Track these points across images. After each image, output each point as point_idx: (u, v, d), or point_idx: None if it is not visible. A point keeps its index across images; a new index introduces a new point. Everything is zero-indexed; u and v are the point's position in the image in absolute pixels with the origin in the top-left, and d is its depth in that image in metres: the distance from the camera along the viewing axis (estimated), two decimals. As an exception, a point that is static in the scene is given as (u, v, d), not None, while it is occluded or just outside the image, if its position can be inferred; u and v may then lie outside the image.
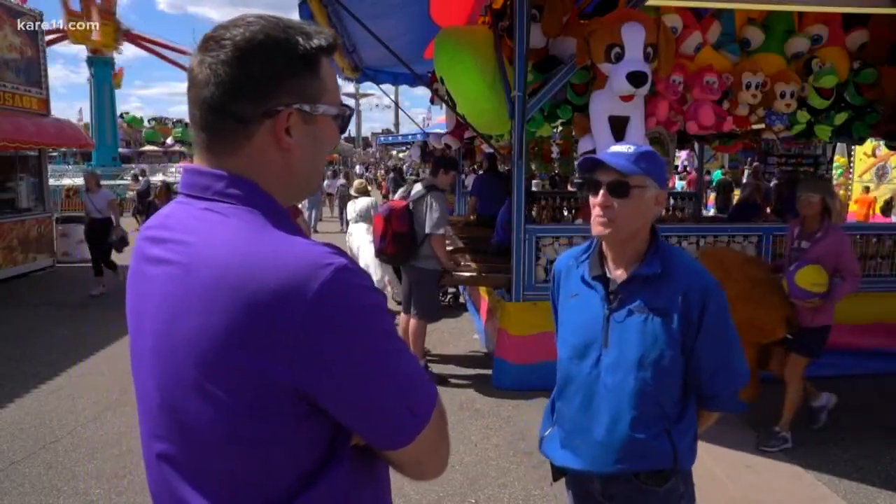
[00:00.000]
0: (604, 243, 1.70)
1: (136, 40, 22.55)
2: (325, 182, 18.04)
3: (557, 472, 1.86)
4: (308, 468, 0.83)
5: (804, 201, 3.74)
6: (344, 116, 0.94)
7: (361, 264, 6.70)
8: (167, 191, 8.80)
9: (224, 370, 0.77)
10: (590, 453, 1.69)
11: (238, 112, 0.84)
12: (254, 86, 0.84)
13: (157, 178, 17.13)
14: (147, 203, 12.78)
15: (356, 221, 6.84)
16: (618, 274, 1.66)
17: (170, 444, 0.85)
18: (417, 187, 5.07)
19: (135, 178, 15.12)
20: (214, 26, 0.88)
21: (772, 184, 11.03)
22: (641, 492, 1.64)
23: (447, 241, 5.47)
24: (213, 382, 0.78)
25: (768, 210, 8.19)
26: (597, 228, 1.63)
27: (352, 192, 7.38)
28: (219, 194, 0.85)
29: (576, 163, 1.77)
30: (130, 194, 14.33)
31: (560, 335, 1.81)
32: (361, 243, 6.88)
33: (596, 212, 1.62)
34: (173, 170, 23.17)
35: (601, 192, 1.60)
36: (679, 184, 16.88)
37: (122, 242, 8.02)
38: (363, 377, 0.80)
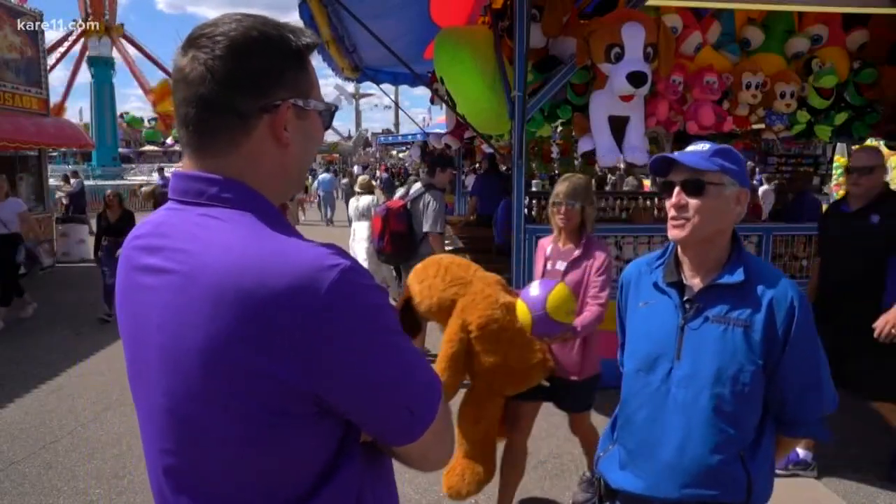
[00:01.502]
0: (680, 248, 1.58)
1: (129, 41, 22.60)
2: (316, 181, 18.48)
3: (609, 493, 1.69)
4: (320, 469, 0.83)
5: (566, 210, 2.78)
6: (330, 112, 0.95)
7: (364, 264, 6.72)
8: (154, 196, 8.61)
9: (237, 376, 0.76)
10: (653, 476, 1.54)
11: (238, 107, 0.83)
12: (253, 80, 0.84)
13: (140, 179, 16.84)
14: (81, 207, 12.20)
15: (358, 219, 6.84)
16: (695, 282, 1.54)
17: (180, 459, 0.84)
18: (415, 186, 5.08)
19: (65, 178, 13.71)
20: (199, 25, 0.87)
21: (762, 188, 11.01)
22: None
23: (446, 241, 5.47)
24: (227, 389, 0.77)
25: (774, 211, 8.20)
26: (671, 232, 1.52)
27: (356, 188, 7.36)
28: (214, 199, 0.84)
29: (648, 164, 1.67)
30: (60, 194, 13.09)
31: (627, 347, 1.69)
32: (363, 242, 6.89)
33: (671, 214, 1.52)
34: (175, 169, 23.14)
35: (675, 191, 1.50)
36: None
37: (32, 261, 7.43)
38: (372, 376, 0.81)
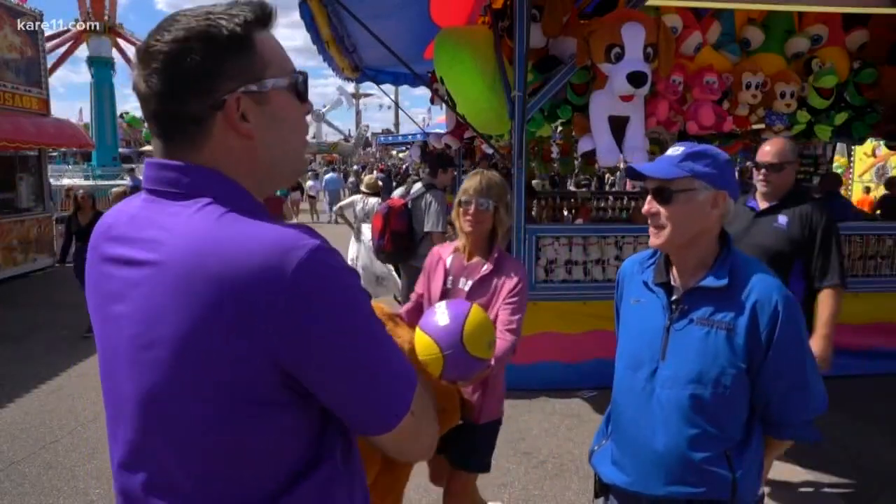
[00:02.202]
0: None
1: (129, 41, 22.58)
2: (309, 183, 18.54)
3: (602, 488, 1.72)
4: (294, 464, 0.83)
5: (475, 210, 2.26)
6: (297, 83, 0.90)
7: (365, 264, 6.71)
8: (126, 197, 8.45)
9: (212, 361, 0.76)
10: (640, 472, 1.57)
11: (189, 112, 0.83)
12: (193, 84, 0.82)
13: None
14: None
15: (364, 220, 6.82)
16: (682, 282, 1.56)
17: (148, 453, 0.84)
18: (416, 186, 5.08)
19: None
20: (150, 33, 0.86)
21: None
22: None
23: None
24: (200, 376, 0.77)
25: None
26: (650, 239, 1.55)
27: (362, 188, 7.34)
28: (187, 187, 0.84)
29: (625, 171, 1.70)
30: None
31: (619, 345, 1.71)
32: (367, 244, 6.87)
33: (648, 220, 1.55)
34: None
35: (647, 199, 1.54)
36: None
37: None
38: (343, 355, 0.80)
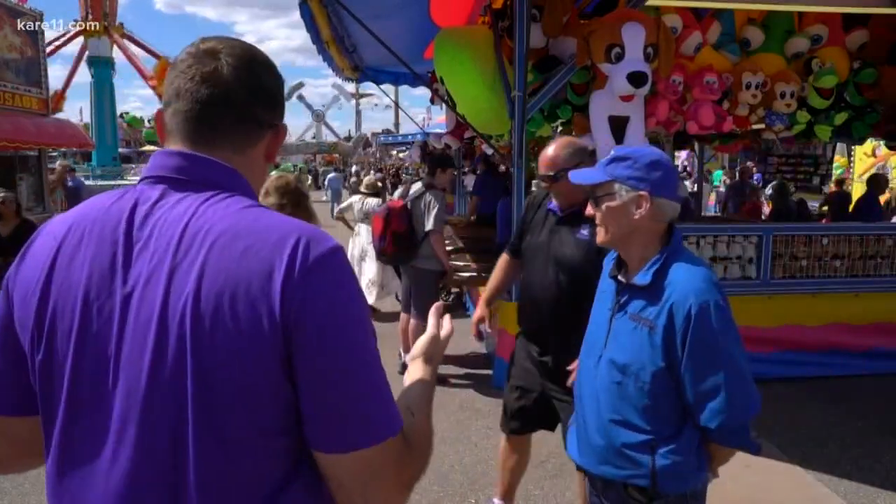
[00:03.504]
0: None
1: (130, 39, 22.55)
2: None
3: (578, 466, 1.89)
4: (270, 482, 0.80)
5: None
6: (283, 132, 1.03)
7: (367, 264, 6.72)
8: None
9: (229, 336, 0.75)
10: (585, 451, 1.74)
11: (258, 117, 0.92)
12: (271, 96, 0.93)
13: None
14: None
15: (363, 221, 6.83)
16: (626, 277, 1.67)
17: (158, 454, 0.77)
18: (415, 186, 5.09)
19: None
20: (207, 40, 0.91)
21: (767, 189, 11.04)
22: None
23: (447, 241, 5.47)
24: (229, 349, 0.75)
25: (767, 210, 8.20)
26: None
27: (361, 188, 7.35)
28: (216, 185, 0.86)
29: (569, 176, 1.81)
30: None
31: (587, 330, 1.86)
32: (366, 244, 6.89)
33: None
34: None
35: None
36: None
37: None
38: (336, 352, 0.79)
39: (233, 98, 0.87)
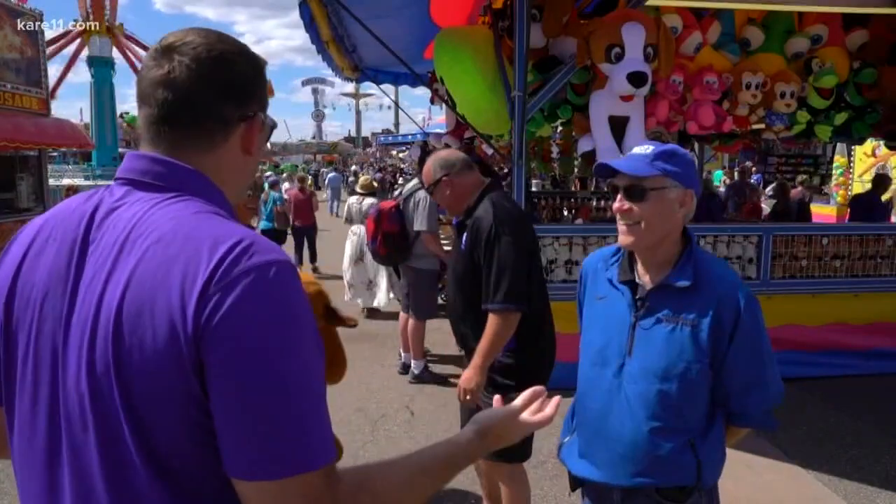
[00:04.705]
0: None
1: (131, 39, 22.56)
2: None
3: (575, 482, 1.76)
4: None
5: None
6: (272, 128, 1.00)
7: (367, 265, 6.72)
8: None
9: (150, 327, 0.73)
10: (609, 465, 1.61)
11: (222, 113, 0.88)
12: (237, 88, 0.89)
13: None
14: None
15: (361, 221, 6.84)
16: (647, 280, 1.59)
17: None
18: (408, 186, 5.08)
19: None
20: (169, 35, 0.89)
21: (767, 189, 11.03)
22: None
23: (444, 241, 5.45)
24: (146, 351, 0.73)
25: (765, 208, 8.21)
26: (622, 238, 1.56)
27: (357, 188, 7.35)
28: (174, 185, 0.85)
29: (593, 169, 1.72)
30: None
31: (583, 339, 1.73)
32: (364, 245, 6.89)
33: (618, 218, 1.56)
34: None
35: (619, 196, 1.54)
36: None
37: None
38: (254, 369, 0.72)
39: (192, 99, 0.85)
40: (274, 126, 1.01)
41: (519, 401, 1.04)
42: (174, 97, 0.85)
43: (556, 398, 1.06)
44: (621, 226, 1.55)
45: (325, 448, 0.75)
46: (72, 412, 0.77)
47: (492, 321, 2.30)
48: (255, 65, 0.92)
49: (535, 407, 1.04)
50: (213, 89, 0.86)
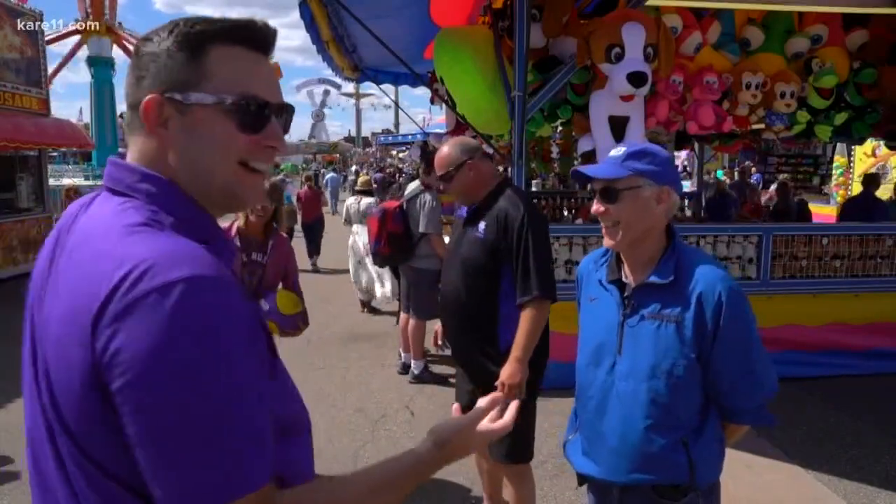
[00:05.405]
0: None
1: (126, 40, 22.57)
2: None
3: (581, 478, 1.81)
4: None
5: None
6: (235, 108, 0.81)
7: (368, 265, 6.73)
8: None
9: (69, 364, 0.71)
10: (606, 461, 1.65)
11: (131, 100, 0.83)
12: (138, 72, 0.82)
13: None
14: None
15: (360, 221, 6.83)
16: (633, 279, 1.61)
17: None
18: (411, 186, 5.08)
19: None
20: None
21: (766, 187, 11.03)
22: None
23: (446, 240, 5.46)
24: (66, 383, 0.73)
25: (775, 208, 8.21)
26: (605, 240, 1.61)
27: (356, 188, 7.37)
28: (130, 189, 0.81)
29: (570, 174, 1.77)
30: None
31: (579, 341, 1.77)
32: (365, 245, 6.90)
33: (600, 221, 1.60)
34: None
35: (595, 199, 1.60)
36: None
37: None
38: (144, 404, 0.66)
39: (125, 90, 0.84)
40: (231, 107, 0.81)
41: (477, 409, 1.02)
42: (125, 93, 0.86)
43: (515, 403, 1.05)
44: (603, 228, 1.60)
45: (246, 475, 0.68)
46: (35, 425, 0.81)
47: (530, 313, 2.34)
48: (168, 37, 0.80)
49: (493, 415, 1.02)
50: (133, 74, 0.83)
